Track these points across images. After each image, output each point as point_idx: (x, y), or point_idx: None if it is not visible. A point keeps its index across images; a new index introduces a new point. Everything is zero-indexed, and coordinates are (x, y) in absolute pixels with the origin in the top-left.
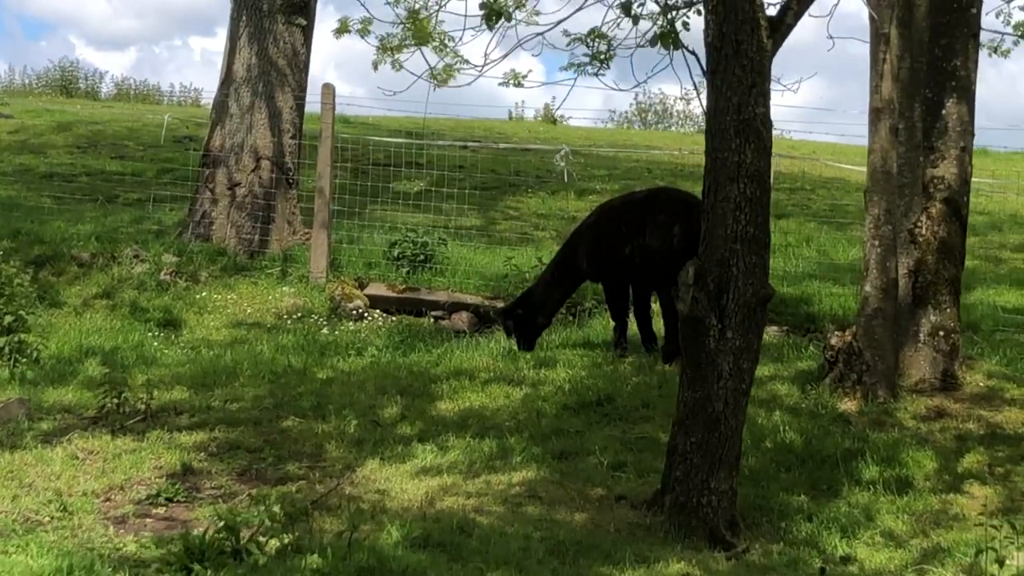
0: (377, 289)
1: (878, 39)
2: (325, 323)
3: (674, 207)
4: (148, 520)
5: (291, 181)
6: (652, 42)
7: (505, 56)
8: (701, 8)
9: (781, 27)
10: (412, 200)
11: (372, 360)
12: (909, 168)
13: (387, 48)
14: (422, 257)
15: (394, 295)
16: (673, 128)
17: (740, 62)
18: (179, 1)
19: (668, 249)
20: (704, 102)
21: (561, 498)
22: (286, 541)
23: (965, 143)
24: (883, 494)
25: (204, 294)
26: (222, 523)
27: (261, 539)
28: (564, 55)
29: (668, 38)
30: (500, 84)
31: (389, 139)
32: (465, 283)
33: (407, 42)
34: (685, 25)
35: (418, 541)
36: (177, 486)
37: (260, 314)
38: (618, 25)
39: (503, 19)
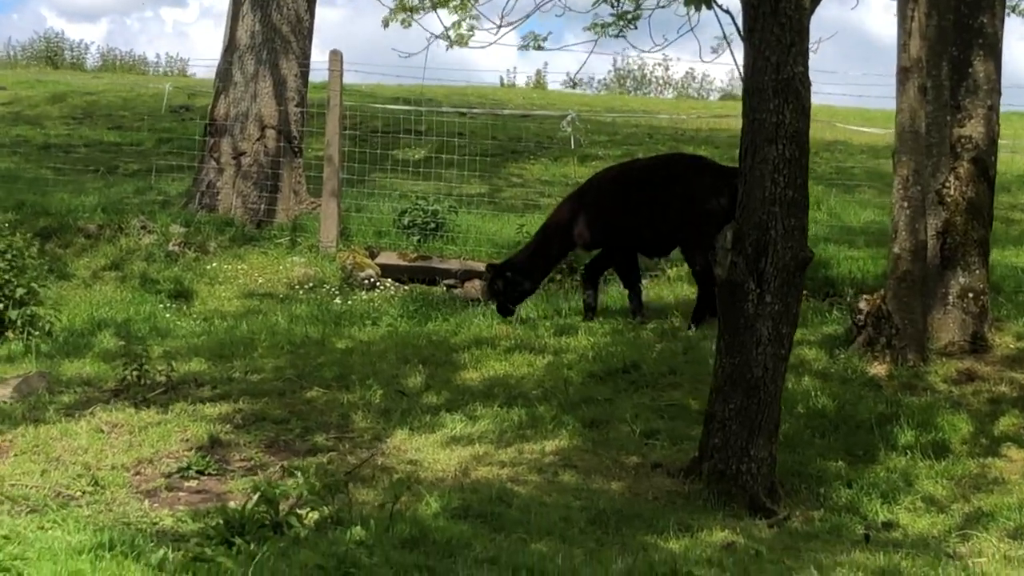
0: (388, 258)
1: None
2: (337, 292)
3: (704, 171)
4: (181, 494)
5: (296, 150)
6: (686, 1)
7: (527, 17)
8: None
9: None
10: (414, 168)
11: (389, 329)
12: (936, 128)
13: (404, 7)
14: (433, 225)
15: (406, 264)
16: (652, 94)
17: (778, 20)
18: None
19: (701, 213)
20: (738, 62)
21: (596, 467)
22: (325, 513)
23: (992, 101)
24: (920, 459)
25: (214, 265)
26: (260, 495)
27: (300, 511)
28: (560, 21)
29: None
30: (520, 47)
31: (394, 106)
32: (477, 251)
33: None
34: None
35: (458, 512)
36: (207, 459)
37: (271, 284)
38: None
39: None
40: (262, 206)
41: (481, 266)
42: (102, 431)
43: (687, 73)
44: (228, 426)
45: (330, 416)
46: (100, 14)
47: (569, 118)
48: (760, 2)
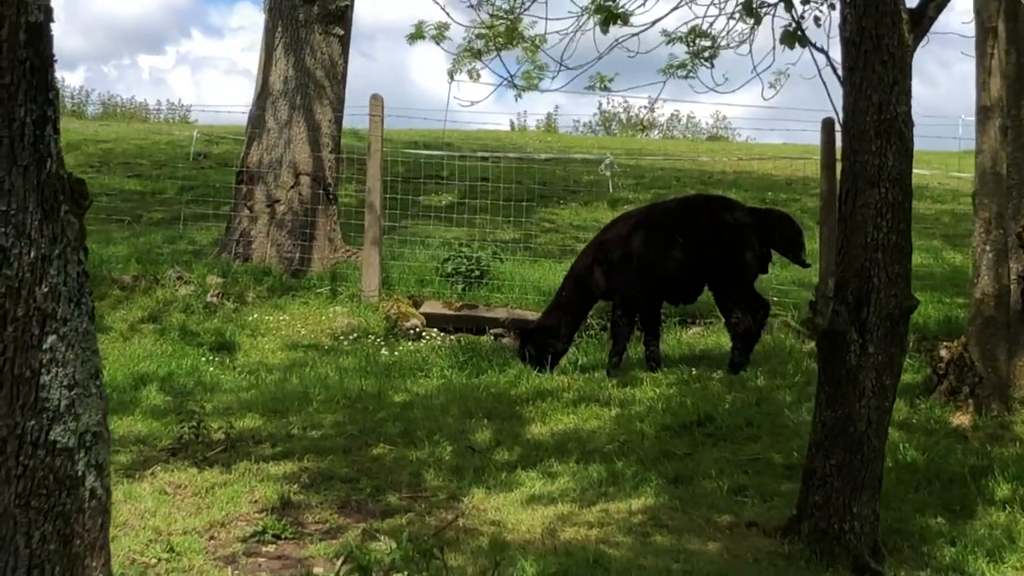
0: (433, 307)
1: (985, 33)
2: (383, 343)
3: (728, 211)
4: (261, 560)
5: (331, 197)
6: (781, 40)
7: (599, 58)
8: (835, 2)
9: (923, 20)
10: (443, 214)
11: (444, 382)
12: (1016, 169)
13: (473, 52)
14: (477, 273)
15: (451, 313)
16: (639, 136)
17: (881, 58)
18: (125, 19)
19: (742, 261)
20: (834, 101)
21: (687, 526)
22: None
23: None
24: (1021, 514)
25: (255, 316)
26: (353, 563)
27: None
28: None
29: (794, 37)
30: (586, 88)
31: (429, 152)
32: (523, 299)
33: (490, 46)
34: (816, 21)
35: None
36: (281, 521)
37: (315, 335)
38: (711, 24)
39: (619, 22)
40: (297, 255)
41: (530, 315)
42: (167, 493)
43: (672, 115)
44: (296, 486)
45: (400, 474)
46: (78, 61)
47: (607, 161)
48: (862, 39)
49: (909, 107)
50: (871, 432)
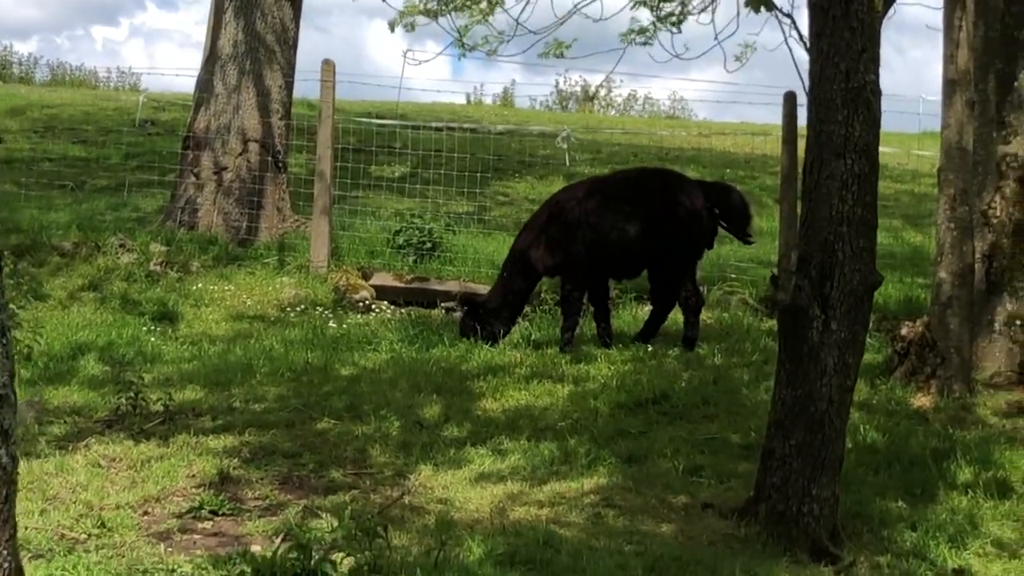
0: (383, 279)
1: (953, 4)
2: (331, 316)
3: (693, 188)
4: (196, 536)
5: (280, 165)
6: (746, 3)
7: (561, 22)
8: None
9: None
10: (395, 185)
11: (393, 356)
12: (982, 145)
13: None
14: (429, 245)
15: (402, 285)
16: (595, 108)
17: (849, 24)
18: None
19: (694, 235)
20: (801, 70)
21: (641, 507)
22: (362, 560)
23: None
24: (983, 498)
25: (199, 285)
26: (292, 541)
27: (334, 558)
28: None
29: (759, 1)
30: (540, 55)
31: (382, 121)
32: (476, 272)
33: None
34: None
35: (504, 558)
36: (219, 497)
37: (261, 306)
38: None
39: None
40: (244, 223)
41: (482, 288)
42: (100, 466)
43: (630, 94)
44: (236, 460)
45: (345, 450)
46: (31, 31)
47: (564, 134)
48: (831, 4)
49: (877, 76)
50: (832, 412)
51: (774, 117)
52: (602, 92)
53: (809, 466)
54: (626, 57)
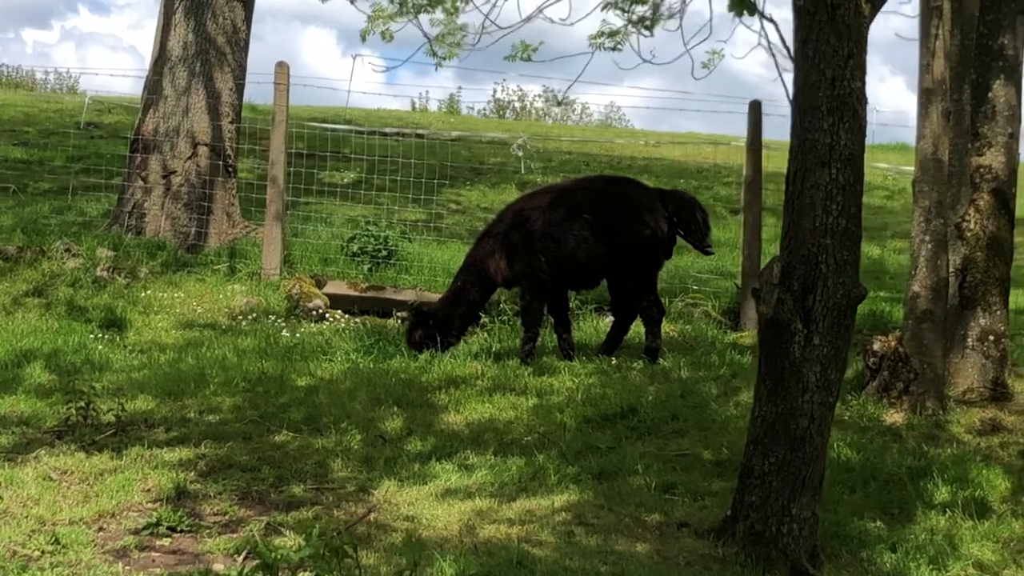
0: (338, 287)
1: (929, 13)
2: (284, 324)
3: (653, 197)
4: (155, 554)
5: (230, 169)
6: (729, 8)
7: (528, 19)
8: None
9: None
10: (348, 190)
11: (350, 366)
12: (957, 156)
13: (386, 15)
14: (384, 253)
15: (357, 294)
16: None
17: (835, 29)
18: None
19: (655, 244)
20: (784, 76)
21: (615, 525)
22: None
23: (1012, 129)
24: (961, 518)
25: (148, 292)
26: (258, 560)
27: None
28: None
29: (742, 4)
30: (506, 58)
31: (335, 126)
32: (432, 281)
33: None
34: None
35: None
36: (177, 512)
37: (211, 314)
38: None
39: None
40: (193, 229)
41: (439, 298)
42: (52, 479)
43: (552, 95)
44: (192, 474)
45: (305, 464)
46: None
47: (520, 141)
48: (816, 8)
49: (863, 83)
50: (814, 429)
51: (711, 127)
52: (541, 103)
53: (789, 485)
54: (565, 66)
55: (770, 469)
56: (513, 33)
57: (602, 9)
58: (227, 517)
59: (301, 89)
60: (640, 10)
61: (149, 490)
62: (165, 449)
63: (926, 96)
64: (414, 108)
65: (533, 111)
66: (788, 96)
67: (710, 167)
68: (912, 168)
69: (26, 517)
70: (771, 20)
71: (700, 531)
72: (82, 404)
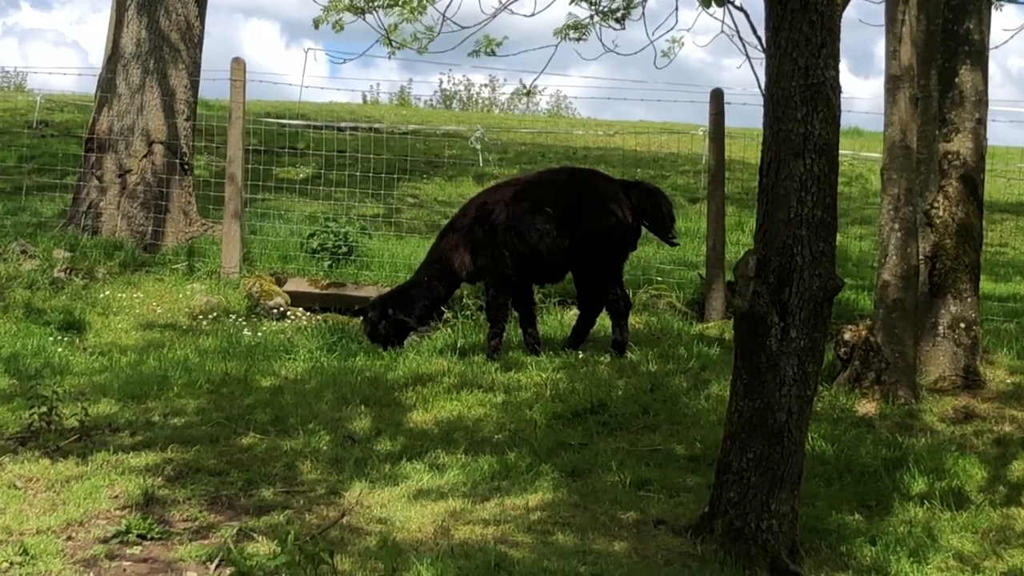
0: (298, 285)
1: None
2: (245, 323)
3: (600, 184)
4: (126, 563)
5: (187, 167)
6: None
7: (495, 15)
8: None
9: None
10: (305, 186)
11: (314, 365)
12: (925, 143)
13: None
14: (344, 249)
15: (318, 291)
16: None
17: (808, 17)
18: None
19: (620, 236)
20: (756, 66)
21: (591, 524)
22: None
23: (980, 114)
24: (939, 509)
25: (107, 293)
26: (233, 568)
27: None
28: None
29: None
30: (470, 54)
31: (290, 122)
32: (393, 276)
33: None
34: None
35: None
36: (146, 519)
37: (171, 314)
38: None
39: None
40: (150, 228)
41: None
42: (16, 487)
43: (514, 92)
44: (160, 479)
45: (273, 466)
46: None
47: (478, 134)
48: None
49: (837, 72)
50: (792, 423)
51: (659, 115)
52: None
53: (768, 481)
54: (515, 55)
55: (748, 465)
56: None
57: (569, 2)
58: (197, 523)
59: (253, 85)
60: (606, 3)
61: (117, 497)
62: (131, 454)
63: (893, 83)
64: (365, 101)
65: (480, 100)
66: (759, 85)
67: (666, 156)
68: (869, 153)
69: None
70: (742, 9)
71: (677, 528)
72: (45, 409)
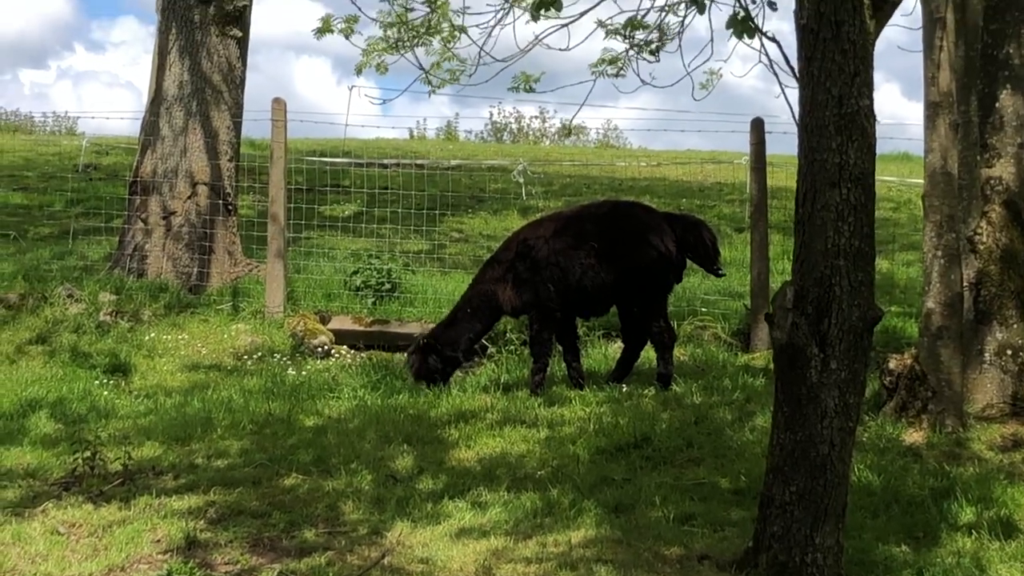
0: (342, 323)
1: (933, 24)
2: (290, 362)
3: (644, 217)
4: None
5: (230, 208)
6: (728, 26)
7: (527, 50)
8: None
9: (885, 5)
10: (349, 224)
11: (357, 403)
12: (966, 169)
13: (381, 48)
14: (388, 286)
15: (362, 329)
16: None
17: (840, 47)
18: (7, 33)
19: (663, 269)
20: (789, 96)
21: (634, 560)
22: None
23: (1022, 139)
24: (988, 539)
25: (152, 335)
26: None
27: None
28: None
29: (743, 25)
30: (509, 88)
31: (333, 160)
32: (437, 312)
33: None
34: (772, 5)
35: None
36: (188, 564)
37: (216, 355)
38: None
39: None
40: (195, 269)
41: None
42: (59, 533)
43: (563, 124)
44: (202, 522)
45: (316, 507)
46: None
47: (521, 168)
48: (821, 26)
49: (871, 100)
50: (834, 455)
51: (710, 143)
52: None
53: (811, 514)
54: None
55: (791, 498)
56: (511, 61)
57: (604, 37)
58: (239, 566)
59: (303, 123)
60: (641, 35)
61: (159, 541)
62: (174, 497)
63: (933, 109)
64: (412, 136)
65: (530, 132)
66: (793, 114)
67: (712, 185)
68: (916, 179)
69: (34, 574)
70: (774, 40)
71: (722, 563)
72: (88, 454)
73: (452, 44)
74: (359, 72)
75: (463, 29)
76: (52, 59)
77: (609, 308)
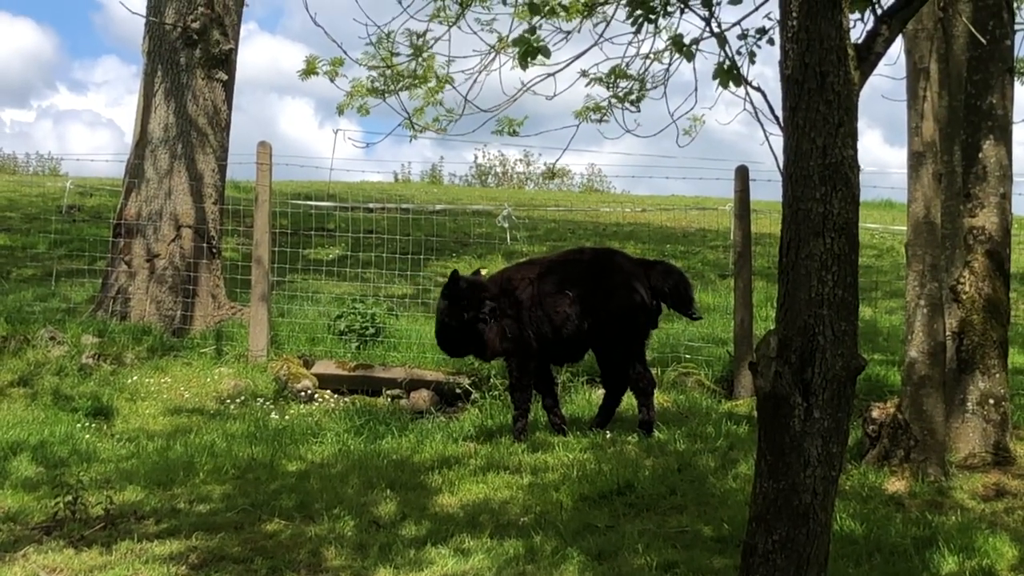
0: (326, 367)
1: (917, 74)
2: (273, 406)
3: (634, 267)
4: None
5: (214, 250)
6: (714, 76)
7: (514, 99)
8: (773, 37)
9: (869, 56)
10: (333, 268)
11: (340, 448)
12: (950, 218)
13: (364, 91)
14: (372, 330)
15: (345, 373)
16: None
17: (825, 97)
18: None
19: (639, 314)
20: (773, 145)
21: None
22: None
23: (1005, 189)
24: None
25: (135, 378)
26: None
27: None
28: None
29: (728, 74)
30: (493, 132)
31: (318, 203)
32: (421, 357)
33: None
34: (752, 57)
35: None
36: None
37: (199, 399)
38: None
39: (541, 56)
40: (179, 312)
41: (429, 374)
42: None
43: (547, 167)
44: (184, 568)
45: (298, 553)
46: None
47: (506, 213)
48: (806, 77)
49: (855, 150)
50: (817, 504)
51: (694, 188)
52: (523, 167)
53: (794, 563)
54: (545, 129)
55: (774, 547)
56: (497, 111)
57: (586, 85)
58: None
59: (287, 166)
60: (624, 84)
61: None
62: (155, 542)
63: (916, 159)
64: (397, 180)
65: (515, 176)
66: (777, 163)
67: (696, 231)
68: (899, 227)
69: None
70: (759, 89)
71: None
72: (70, 498)
73: (439, 94)
74: (341, 112)
75: (449, 79)
76: (34, 98)
77: (584, 354)
